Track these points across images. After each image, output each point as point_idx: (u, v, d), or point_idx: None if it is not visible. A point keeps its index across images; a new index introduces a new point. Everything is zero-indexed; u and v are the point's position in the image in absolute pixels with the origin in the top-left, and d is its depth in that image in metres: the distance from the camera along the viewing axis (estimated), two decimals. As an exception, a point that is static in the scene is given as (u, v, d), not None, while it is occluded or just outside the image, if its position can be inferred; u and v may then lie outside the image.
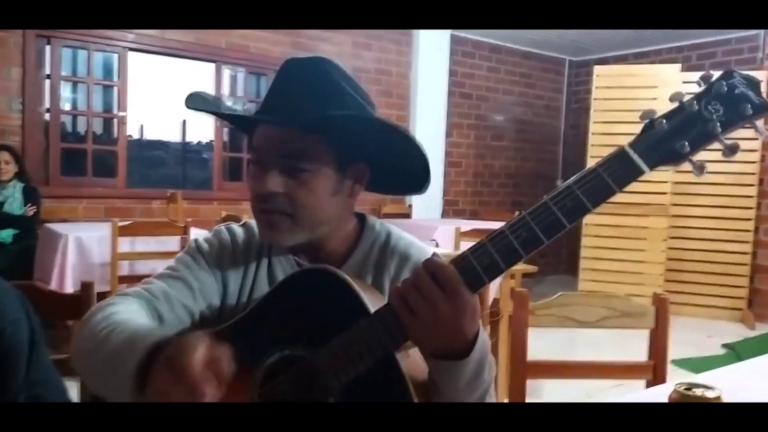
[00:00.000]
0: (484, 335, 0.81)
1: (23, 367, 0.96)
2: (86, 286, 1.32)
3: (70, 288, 3.17)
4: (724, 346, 4.46)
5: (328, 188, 0.92)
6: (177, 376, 0.68)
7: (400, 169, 0.98)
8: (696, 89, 0.73)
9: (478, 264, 0.74)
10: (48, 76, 4.53)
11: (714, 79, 0.71)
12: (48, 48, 4.50)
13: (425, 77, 6.10)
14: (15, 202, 3.96)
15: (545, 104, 7.38)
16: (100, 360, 0.80)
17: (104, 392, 0.82)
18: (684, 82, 5.00)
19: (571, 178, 0.73)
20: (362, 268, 0.98)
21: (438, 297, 0.73)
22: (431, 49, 6.10)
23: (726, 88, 0.70)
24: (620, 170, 0.71)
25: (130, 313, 0.87)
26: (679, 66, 5.36)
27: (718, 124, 0.70)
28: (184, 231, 3.32)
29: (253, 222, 1.03)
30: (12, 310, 0.95)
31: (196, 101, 0.98)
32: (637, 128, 0.74)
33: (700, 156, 0.73)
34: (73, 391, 1.20)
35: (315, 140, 0.90)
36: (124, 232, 3.26)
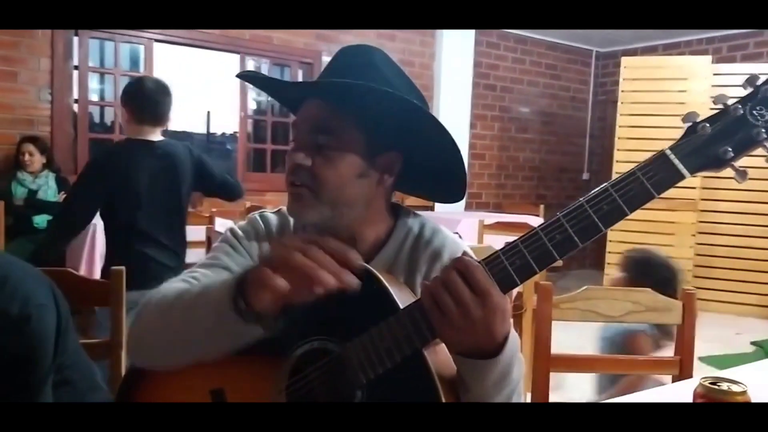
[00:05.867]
0: (515, 335, 0.80)
1: (51, 351, 0.97)
2: (116, 273, 1.35)
3: (98, 275, 3.22)
4: (753, 343, 4.38)
5: (353, 169, 0.91)
6: (289, 255, 0.74)
7: (435, 165, 0.97)
8: (725, 82, 0.71)
9: (510, 265, 0.73)
10: (76, 67, 4.60)
11: (761, 82, 0.70)
12: (76, 39, 4.56)
13: (449, 68, 6.06)
14: (49, 190, 4.07)
15: (571, 96, 7.29)
16: (179, 311, 0.84)
17: (182, 348, 0.86)
18: (714, 74, 4.90)
19: (609, 181, 0.72)
20: (395, 260, 0.98)
21: (469, 299, 0.72)
22: (455, 40, 6.06)
23: None
24: (660, 174, 0.70)
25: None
26: (709, 58, 5.24)
27: (764, 130, 0.68)
28: (210, 221, 3.36)
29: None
30: (39, 296, 0.97)
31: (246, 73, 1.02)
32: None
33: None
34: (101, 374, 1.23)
35: (345, 120, 0.90)
36: None
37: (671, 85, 5.03)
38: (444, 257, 0.96)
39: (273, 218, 1.03)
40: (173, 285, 0.93)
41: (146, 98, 2.28)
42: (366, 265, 0.84)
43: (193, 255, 3.44)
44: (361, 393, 0.79)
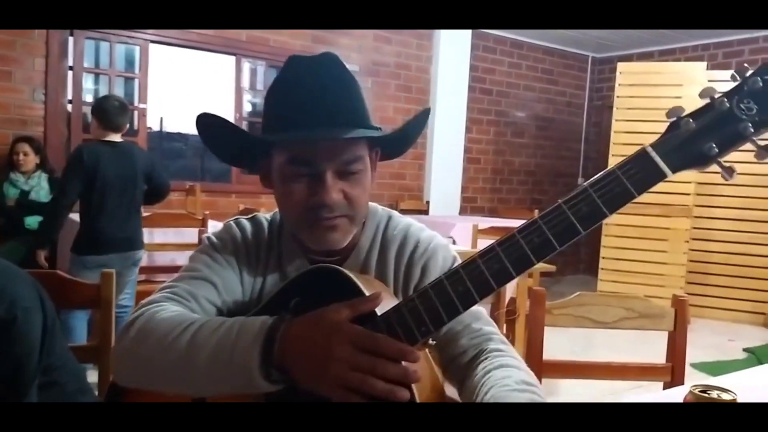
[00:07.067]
0: None
1: (37, 353, 0.97)
2: (106, 276, 1.34)
3: (89, 277, 3.22)
4: (746, 350, 4.39)
5: (369, 180, 0.93)
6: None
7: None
8: (720, 89, 0.67)
9: (487, 270, 0.71)
10: (71, 68, 4.58)
11: (748, 74, 0.66)
12: (71, 40, 4.55)
13: (446, 72, 6.07)
14: (41, 191, 4.02)
15: (567, 101, 7.31)
16: (203, 358, 0.77)
17: (206, 390, 0.80)
18: (709, 81, 4.92)
19: (588, 181, 0.69)
20: (368, 255, 0.99)
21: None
22: (452, 44, 6.07)
23: (761, 84, 0.64)
24: (641, 173, 0.67)
25: (187, 313, 0.87)
26: (704, 64, 5.26)
27: (750, 124, 0.65)
28: (203, 223, 3.35)
29: (262, 216, 1.03)
30: (25, 298, 0.96)
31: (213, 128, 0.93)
32: (662, 127, 0.69)
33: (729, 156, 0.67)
34: (91, 377, 1.22)
35: (364, 143, 0.91)
36: (144, 223, 3.29)
37: (667, 91, 5.04)
38: (411, 240, 0.99)
39: (248, 225, 1.01)
40: (166, 312, 0.86)
41: (109, 112, 3.09)
42: (344, 270, 0.85)
43: (183, 257, 3.44)
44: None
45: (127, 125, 3.26)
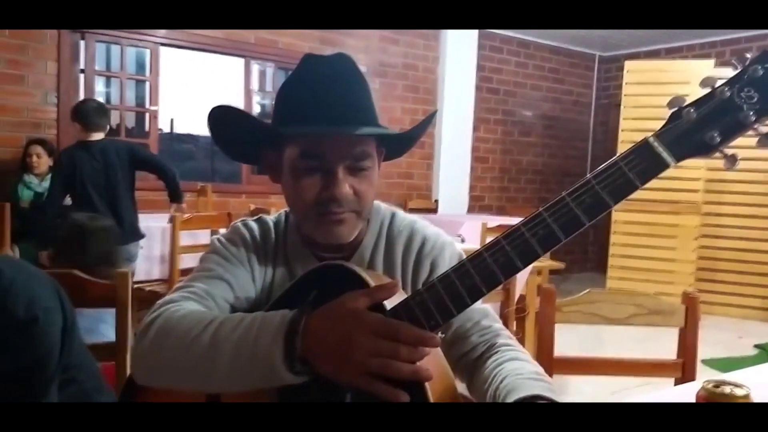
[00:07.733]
0: None
1: (57, 352, 0.99)
2: (121, 276, 1.36)
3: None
4: (757, 346, 4.37)
5: (377, 176, 0.95)
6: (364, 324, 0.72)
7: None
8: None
9: (494, 262, 0.71)
10: (82, 71, 4.63)
11: (748, 62, 0.66)
12: (82, 43, 4.60)
13: (453, 72, 6.07)
14: (55, 193, 4.06)
15: (574, 100, 7.30)
16: (226, 354, 0.77)
17: (229, 385, 0.80)
18: (717, 79, 4.89)
19: (591, 172, 0.69)
20: (374, 252, 1.01)
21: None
22: (459, 44, 6.07)
23: (762, 72, 0.65)
24: (643, 163, 0.67)
25: (205, 311, 0.89)
26: (712, 62, 5.24)
27: (752, 113, 0.64)
28: (228, 221, 3.34)
29: (267, 217, 1.05)
30: (45, 298, 0.98)
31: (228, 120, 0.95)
32: None
33: (735, 146, 0.67)
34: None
35: (373, 141, 0.94)
36: (182, 226, 3.28)
37: (674, 89, 5.01)
38: (418, 235, 1.01)
39: (255, 226, 1.03)
40: (185, 310, 0.87)
41: (89, 114, 3.39)
42: (353, 266, 0.86)
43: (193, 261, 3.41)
44: (350, 396, 0.79)
45: (108, 125, 3.54)
